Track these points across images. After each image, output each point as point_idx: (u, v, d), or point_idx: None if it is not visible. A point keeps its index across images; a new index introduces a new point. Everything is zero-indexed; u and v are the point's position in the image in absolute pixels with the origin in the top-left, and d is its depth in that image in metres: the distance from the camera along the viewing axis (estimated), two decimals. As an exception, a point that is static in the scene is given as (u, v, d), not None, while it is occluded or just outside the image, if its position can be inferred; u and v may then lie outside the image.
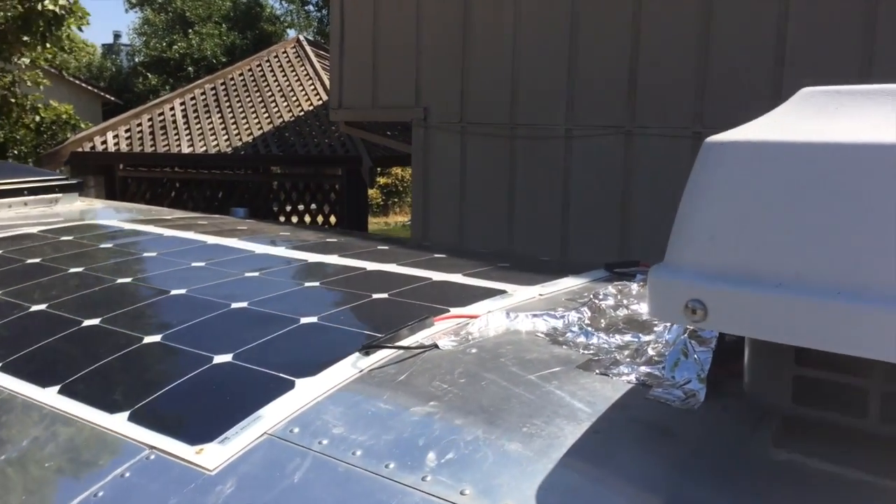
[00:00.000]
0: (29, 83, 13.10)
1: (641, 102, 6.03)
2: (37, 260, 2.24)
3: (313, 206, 10.87)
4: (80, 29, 13.44)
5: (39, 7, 11.58)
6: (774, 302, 0.93)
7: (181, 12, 28.96)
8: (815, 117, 1.00)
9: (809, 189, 0.93)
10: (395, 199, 24.41)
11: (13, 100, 13.07)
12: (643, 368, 1.31)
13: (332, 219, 10.57)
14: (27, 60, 12.71)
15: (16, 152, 17.57)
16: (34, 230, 2.64)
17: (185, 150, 9.84)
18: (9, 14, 11.88)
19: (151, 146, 9.90)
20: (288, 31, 31.49)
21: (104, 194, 10.59)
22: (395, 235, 18.96)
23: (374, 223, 19.73)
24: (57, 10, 11.87)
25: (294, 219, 10.96)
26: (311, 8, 32.39)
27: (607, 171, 6.24)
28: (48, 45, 12.34)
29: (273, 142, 9.99)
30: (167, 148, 9.86)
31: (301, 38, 12.95)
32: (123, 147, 9.92)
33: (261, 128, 10.30)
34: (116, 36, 38.88)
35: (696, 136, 5.78)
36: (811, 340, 0.90)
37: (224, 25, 28.78)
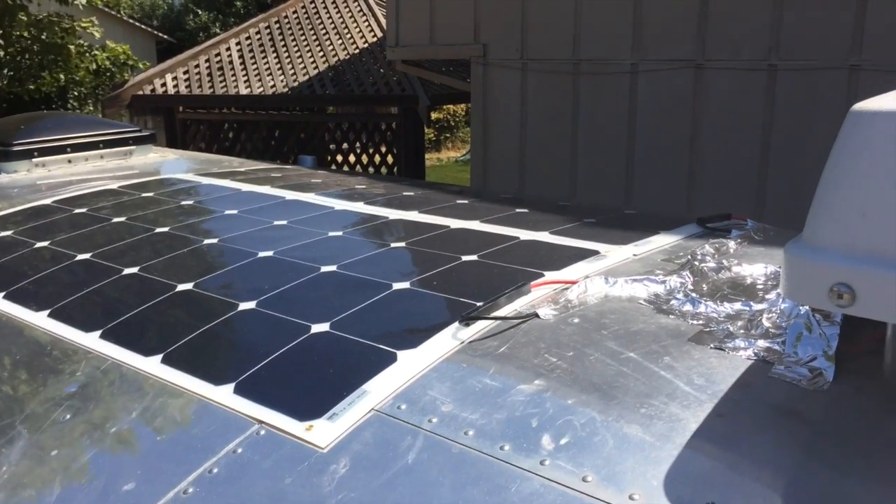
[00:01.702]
0: (86, 29, 13.20)
1: (712, 34, 5.76)
2: (122, 219, 2.25)
3: (370, 147, 10.82)
4: None
5: None
6: (935, 289, 0.86)
7: (230, -55, 28.69)
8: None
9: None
10: (448, 135, 24.17)
11: (72, 45, 13.19)
12: (761, 342, 1.25)
13: (389, 158, 10.52)
14: (84, 1, 12.78)
15: (76, 93, 17.89)
16: (114, 185, 2.67)
17: (243, 91, 9.84)
18: None
19: (210, 88, 9.92)
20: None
21: (164, 136, 10.72)
22: (448, 172, 18.83)
23: (428, 159, 19.60)
24: None
25: (351, 157, 10.94)
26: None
27: (676, 108, 6.02)
28: None
29: (329, 81, 9.92)
30: (225, 89, 9.87)
31: (353, -28, 12.70)
32: (182, 89, 9.97)
33: (316, 67, 10.22)
34: (167, -27, 38.79)
35: (772, 69, 5.52)
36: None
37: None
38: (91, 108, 18.42)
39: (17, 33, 12.28)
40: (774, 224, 2.18)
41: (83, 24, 12.98)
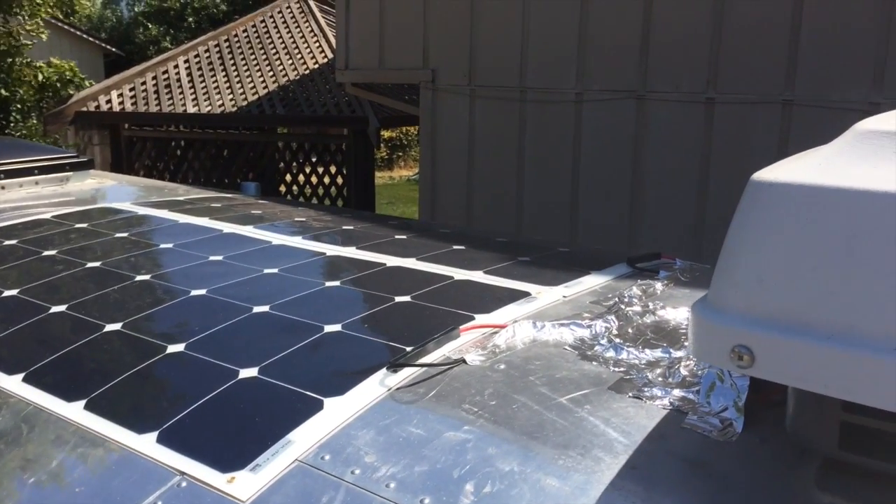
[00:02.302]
0: (32, 34, 12.89)
1: (653, 66, 5.92)
2: (52, 252, 2.21)
3: (320, 168, 10.78)
4: None
5: None
6: (826, 354, 0.90)
7: (181, -41, 28.41)
8: (871, 159, 0.96)
9: (865, 239, 0.89)
10: (400, 154, 24.23)
11: (13, 51, 12.84)
12: (677, 391, 1.29)
13: (339, 179, 10.50)
14: (27, 12, 12.50)
15: (18, 107, 17.43)
16: (47, 215, 2.62)
17: (191, 109, 9.73)
18: None
19: (157, 105, 9.78)
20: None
21: (109, 154, 10.52)
22: (400, 191, 18.85)
23: (380, 177, 19.60)
24: None
25: (300, 178, 10.88)
26: (314, -43, 31.74)
27: (618, 137, 6.16)
28: None
29: (278, 101, 9.87)
30: (172, 107, 9.74)
31: (305, -8, 12.70)
32: (128, 106, 9.80)
33: (266, 87, 10.17)
34: (116, -15, 38.23)
35: (709, 102, 5.69)
36: (865, 397, 0.88)
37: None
38: (35, 122, 17.94)
39: None
40: (712, 255, 2.26)
41: (28, 27, 12.66)
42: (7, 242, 2.32)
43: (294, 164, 10.92)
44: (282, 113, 9.74)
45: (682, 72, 5.78)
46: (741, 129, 5.57)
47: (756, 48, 5.44)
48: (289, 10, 11.98)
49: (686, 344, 1.48)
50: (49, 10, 13.30)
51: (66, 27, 21.76)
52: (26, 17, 12.59)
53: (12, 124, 17.34)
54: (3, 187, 3.01)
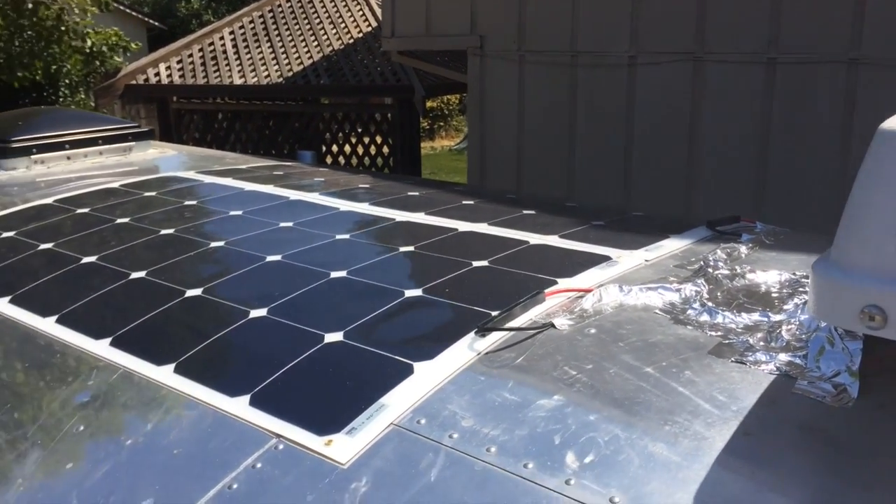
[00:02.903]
0: (76, 10, 13.03)
1: (711, 27, 5.74)
2: (126, 220, 2.23)
3: (365, 137, 10.76)
4: None
5: None
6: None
7: (222, -69, 28.41)
8: None
9: None
10: (441, 123, 24.12)
11: (63, 27, 13.00)
12: (782, 356, 1.25)
13: (385, 149, 10.47)
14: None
15: (67, 81, 17.70)
16: (116, 184, 2.64)
17: (237, 81, 9.76)
18: None
19: (203, 77, 9.83)
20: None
21: (158, 126, 10.64)
22: (443, 161, 18.77)
23: (422, 148, 19.54)
24: None
25: (346, 148, 10.88)
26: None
27: (674, 101, 6.01)
28: None
29: (323, 71, 9.85)
30: (219, 79, 9.79)
31: (347, -40, 12.60)
32: (176, 79, 9.87)
33: (310, 57, 10.14)
34: (157, -42, 38.45)
35: (770, 63, 5.51)
36: None
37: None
38: (83, 96, 18.26)
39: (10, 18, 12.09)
40: (774, 221, 2.18)
41: (74, 2, 12.78)
42: (80, 211, 2.35)
43: (340, 133, 10.92)
44: (327, 83, 9.72)
45: (742, 31, 5.60)
46: (804, 91, 5.38)
47: (819, 4, 5.24)
48: (331, -21, 11.90)
49: (785, 307, 1.43)
50: None
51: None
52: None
53: (61, 99, 17.67)
54: (69, 157, 3.04)
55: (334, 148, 11.02)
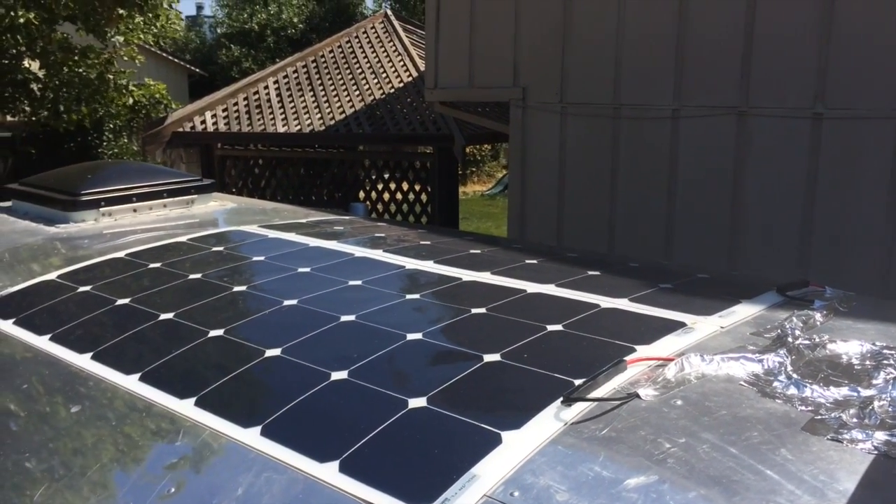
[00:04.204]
0: (125, 58, 13.45)
1: (756, 80, 5.76)
2: (198, 275, 2.28)
3: (404, 184, 10.89)
4: (171, 6, 13.74)
5: None
6: None
7: (262, -19, 29.30)
8: None
9: None
10: (474, 169, 24.32)
11: (110, 76, 13.43)
12: (879, 434, 1.23)
13: (423, 197, 10.58)
14: (121, 38, 13.06)
15: (111, 126, 18.23)
16: (184, 238, 2.70)
17: (280, 128, 9.98)
18: None
19: (248, 125, 10.07)
20: (365, 0, 31.52)
21: (201, 171, 10.87)
22: (475, 206, 18.90)
23: (456, 194, 19.65)
24: None
25: (385, 195, 11.01)
26: (391, -22, 32.23)
27: (718, 155, 6.02)
28: (143, 16, 12.61)
29: (364, 119, 10.03)
30: (263, 127, 10.01)
31: (388, 12, 12.91)
32: (221, 127, 10.13)
33: (352, 105, 10.35)
34: (199, 7, 39.74)
35: (817, 118, 5.50)
36: None
37: (303, -6, 29.07)
38: (125, 141, 18.76)
39: (58, 64, 12.48)
40: (820, 279, 2.16)
41: (123, 52, 13.20)
42: (152, 265, 2.40)
43: (379, 181, 11.06)
44: (368, 131, 9.89)
45: (788, 85, 5.61)
46: (851, 147, 5.36)
47: (867, 58, 5.24)
48: (373, 30, 12.19)
49: (874, 382, 1.42)
50: (141, 35, 13.86)
51: (153, 49, 22.67)
52: (121, 41, 13.14)
53: (104, 143, 18.17)
54: (135, 210, 3.12)
55: (373, 194, 11.15)
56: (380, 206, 11.00)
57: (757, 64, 5.73)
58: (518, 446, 1.31)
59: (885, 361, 1.52)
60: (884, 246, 5.27)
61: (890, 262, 5.26)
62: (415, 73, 10.86)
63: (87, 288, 2.26)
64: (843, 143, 5.41)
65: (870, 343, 1.62)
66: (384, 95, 10.58)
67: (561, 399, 1.40)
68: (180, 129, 10.15)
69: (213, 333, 1.86)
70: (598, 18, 6.59)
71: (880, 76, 5.20)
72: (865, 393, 1.38)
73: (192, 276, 2.27)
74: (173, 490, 1.37)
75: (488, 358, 1.62)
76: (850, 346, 1.61)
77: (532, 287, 2.08)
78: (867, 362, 1.55)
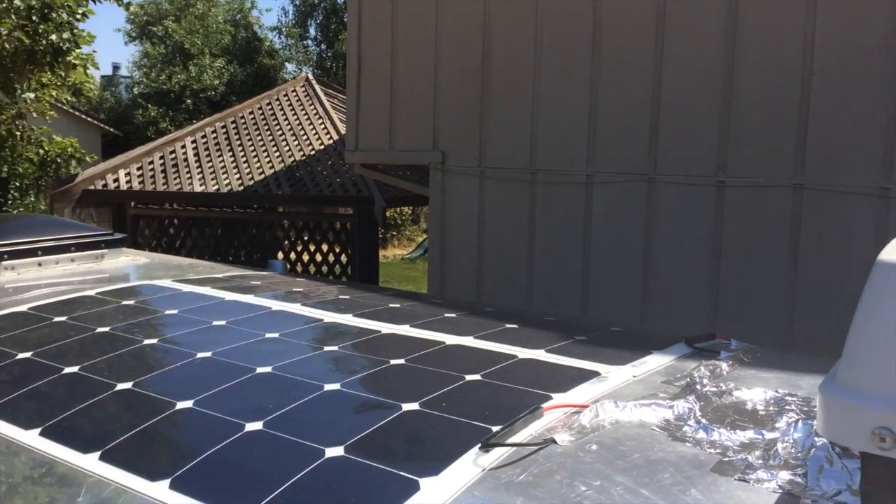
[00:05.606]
0: (35, 115, 13.06)
1: (663, 150, 6.06)
2: (106, 329, 2.20)
3: (324, 245, 10.84)
4: (87, 68, 13.47)
5: (44, 42, 11.59)
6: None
7: (180, 44, 29.15)
8: None
9: None
10: (394, 232, 24.43)
11: (18, 132, 12.98)
12: (783, 474, 1.28)
13: (343, 258, 10.54)
14: (32, 95, 12.70)
15: (17, 184, 17.55)
16: (91, 292, 2.61)
17: (197, 188, 9.82)
18: (14, 46, 11.86)
19: (163, 184, 9.88)
20: (286, 64, 31.74)
21: (113, 231, 10.55)
22: (395, 270, 18.93)
23: (376, 258, 19.62)
24: (62, 43, 11.88)
25: (305, 256, 10.92)
26: (310, 43, 32.63)
27: (629, 219, 6.25)
28: (55, 76, 12.30)
29: (284, 180, 10.00)
30: (179, 186, 9.84)
31: (310, 76, 13.04)
32: (136, 185, 9.90)
33: (272, 166, 10.31)
34: (115, 67, 39.05)
35: (720, 185, 5.81)
36: None
37: (223, 58, 29.02)
38: (33, 199, 18.06)
39: None
40: (727, 333, 2.26)
41: (33, 107, 12.80)
42: (57, 319, 2.31)
43: (299, 242, 10.97)
44: (287, 192, 9.85)
45: (692, 155, 5.92)
46: (753, 212, 5.66)
47: (765, 132, 5.59)
48: (294, 93, 12.26)
49: (777, 425, 1.48)
50: (53, 94, 13.51)
51: (65, 108, 22.12)
52: (31, 98, 12.77)
53: (10, 201, 17.44)
54: (40, 264, 3.00)
55: (293, 255, 11.04)
56: (299, 267, 10.88)
57: (664, 134, 6.04)
58: (436, 493, 1.30)
59: (787, 407, 1.59)
60: (787, 302, 5.53)
61: (791, 316, 5.52)
62: (335, 136, 10.94)
63: (-15, 342, 2.14)
64: (744, 209, 5.71)
65: (773, 390, 1.69)
66: (304, 157, 10.60)
67: (479, 445, 1.40)
68: (92, 187, 9.86)
69: (120, 387, 1.79)
70: (515, 86, 6.83)
71: (777, 148, 5.55)
72: (769, 436, 1.43)
73: (99, 330, 2.19)
74: (72, 549, 1.30)
75: (407, 407, 1.62)
76: (755, 393, 1.68)
77: (451, 339, 2.10)
78: (770, 408, 1.61)
